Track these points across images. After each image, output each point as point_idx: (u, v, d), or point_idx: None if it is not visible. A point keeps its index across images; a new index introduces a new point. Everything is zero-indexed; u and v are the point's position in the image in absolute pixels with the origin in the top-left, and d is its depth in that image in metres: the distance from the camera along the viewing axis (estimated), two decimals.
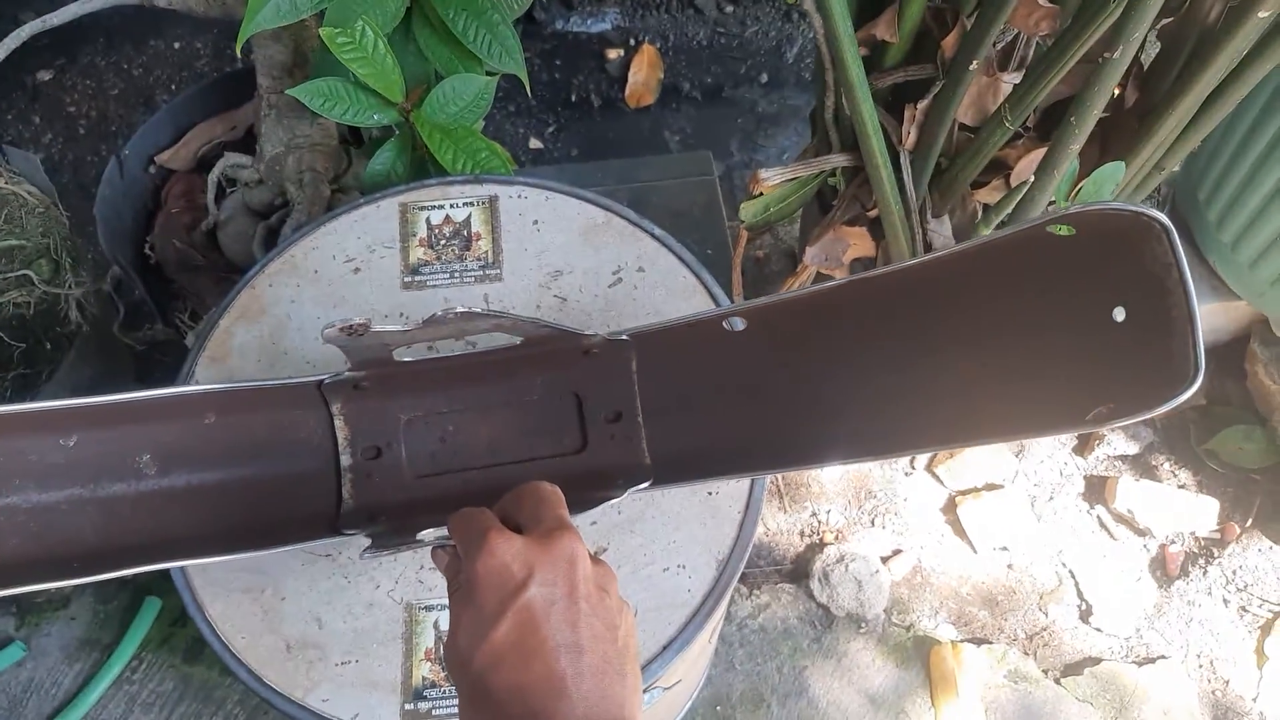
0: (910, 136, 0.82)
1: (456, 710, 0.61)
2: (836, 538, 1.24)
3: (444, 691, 0.62)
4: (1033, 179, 0.72)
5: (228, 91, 1.15)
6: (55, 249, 1.02)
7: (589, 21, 1.67)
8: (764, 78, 1.65)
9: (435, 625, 0.64)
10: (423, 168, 0.87)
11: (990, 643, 1.18)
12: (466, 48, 0.83)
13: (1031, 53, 0.84)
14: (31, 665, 1.16)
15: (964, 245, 0.53)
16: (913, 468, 1.29)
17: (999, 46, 0.83)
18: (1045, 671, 1.17)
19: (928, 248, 0.86)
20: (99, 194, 1.05)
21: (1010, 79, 0.81)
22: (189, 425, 0.59)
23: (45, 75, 1.62)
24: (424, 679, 0.62)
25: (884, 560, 1.22)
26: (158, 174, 1.13)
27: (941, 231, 0.85)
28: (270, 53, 0.94)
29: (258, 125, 1.00)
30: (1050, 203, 0.74)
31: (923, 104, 0.82)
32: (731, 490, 0.67)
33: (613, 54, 1.65)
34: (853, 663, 1.17)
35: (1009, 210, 0.76)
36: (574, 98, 1.62)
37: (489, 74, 0.85)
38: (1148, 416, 0.46)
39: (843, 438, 0.60)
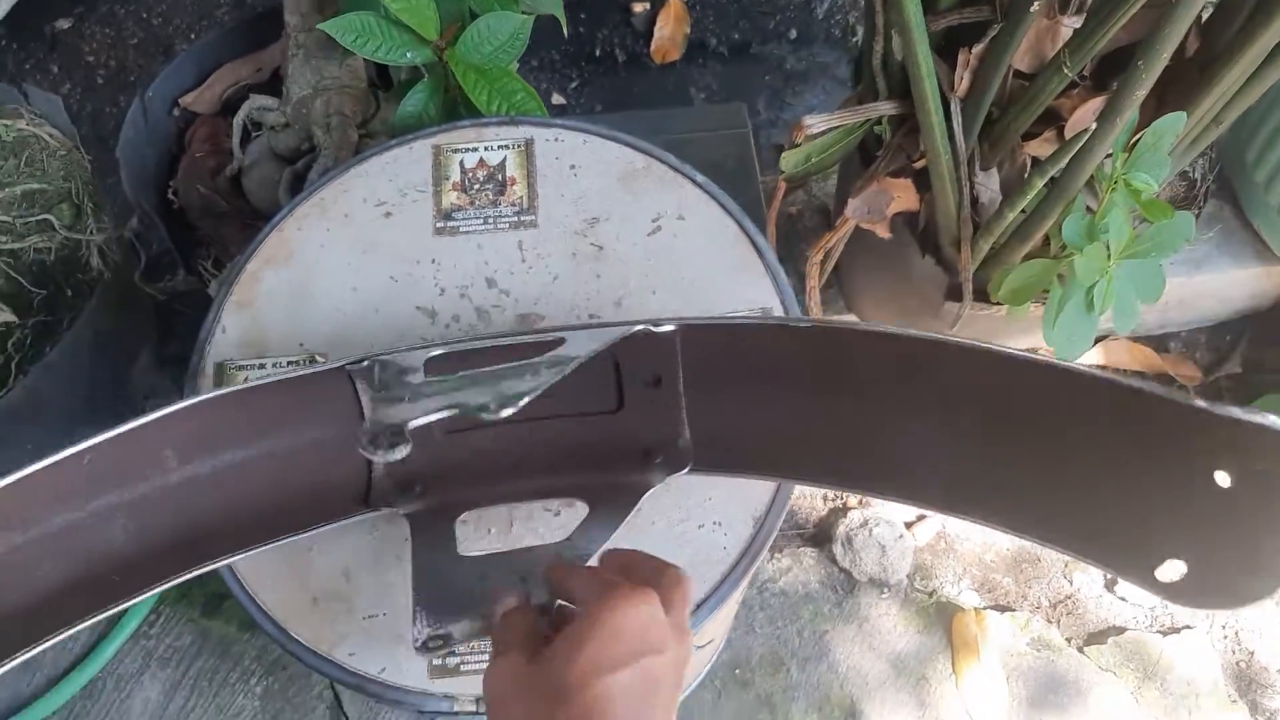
0: (963, 82, 0.79)
1: (484, 665, 0.59)
2: (860, 502, 1.23)
3: (472, 646, 0.60)
4: (1094, 127, 0.69)
5: (253, 34, 1.12)
6: (77, 193, 1.00)
7: None
8: (793, 34, 1.61)
9: None
10: (455, 110, 0.85)
11: (1014, 610, 1.17)
12: None
13: None
14: None
15: (1092, 370, 0.51)
16: None
17: None
18: (1069, 640, 1.16)
19: (974, 201, 0.83)
20: (122, 136, 1.02)
21: (1071, 23, 0.78)
22: (208, 414, 0.57)
23: (64, 24, 1.59)
24: None
25: (908, 526, 1.21)
26: (182, 117, 1.10)
27: (989, 185, 0.83)
28: None
29: (284, 67, 0.97)
30: (1107, 155, 0.71)
31: (978, 48, 0.79)
32: None
33: (638, 7, 1.61)
34: (874, 628, 1.16)
35: (1063, 164, 0.73)
36: (598, 52, 1.58)
37: (524, 14, 0.82)
38: (1217, 610, 0.45)
39: (899, 477, 0.58)
